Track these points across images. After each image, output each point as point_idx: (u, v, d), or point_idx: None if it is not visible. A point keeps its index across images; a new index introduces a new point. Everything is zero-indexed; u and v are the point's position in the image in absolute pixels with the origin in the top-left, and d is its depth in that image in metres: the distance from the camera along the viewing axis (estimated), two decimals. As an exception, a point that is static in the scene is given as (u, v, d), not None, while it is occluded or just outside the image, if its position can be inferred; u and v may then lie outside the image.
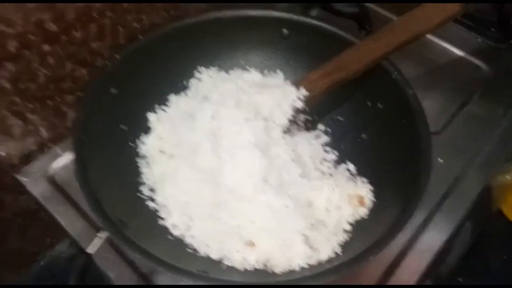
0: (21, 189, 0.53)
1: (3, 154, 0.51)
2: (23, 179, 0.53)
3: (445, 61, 0.66)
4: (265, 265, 0.42)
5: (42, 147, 0.55)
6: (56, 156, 0.55)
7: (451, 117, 0.59)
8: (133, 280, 0.46)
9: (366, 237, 0.42)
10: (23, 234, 0.64)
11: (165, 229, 0.44)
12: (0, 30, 0.42)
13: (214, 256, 0.43)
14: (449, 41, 0.67)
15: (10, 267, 0.67)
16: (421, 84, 0.52)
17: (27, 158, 0.54)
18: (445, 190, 0.52)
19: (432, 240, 0.49)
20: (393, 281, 0.46)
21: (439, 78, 0.64)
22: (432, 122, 0.45)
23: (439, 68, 0.66)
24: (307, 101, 0.49)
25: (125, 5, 0.51)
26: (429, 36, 0.67)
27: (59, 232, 0.51)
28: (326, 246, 0.43)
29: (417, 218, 0.49)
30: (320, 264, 0.42)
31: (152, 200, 0.46)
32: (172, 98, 0.53)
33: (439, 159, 0.53)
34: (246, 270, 0.42)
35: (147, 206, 0.46)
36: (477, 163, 0.55)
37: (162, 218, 0.45)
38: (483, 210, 0.60)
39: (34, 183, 0.53)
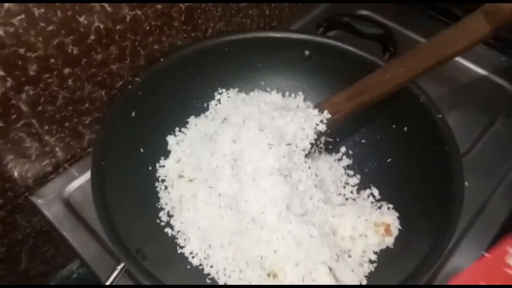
0: (35, 211, 0.52)
1: (18, 175, 0.50)
2: (38, 201, 0.52)
3: (468, 81, 0.65)
4: (287, 298, 0.41)
5: (58, 168, 0.54)
6: (72, 178, 0.54)
7: (477, 138, 0.57)
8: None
9: (393, 267, 0.41)
10: (35, 255, 0.63)
11: (183, 258, 0.43)
12: (20, 54, 0.41)
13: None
14: (472, 60, 0.66)
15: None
16: (444, 104, 0.51)
17: (42, 180, 0.53)
18: (472, 215, 0.50)
19: (459, 266, 0.47)
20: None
21: (463, 98, 0.62)
22: (456, 144, 0.44)
23: (462, 88, 0.64)
24: (330, 123, 0.48)
25: (147, 27, 0.50)
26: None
27: (71, 253, 0.50)
28: (352, 278, 0.41)
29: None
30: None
31: (171, 226, 0.45)
32: (192, 120, 0.52)
33: (465, 182, 0.51)
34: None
35: (165, 233, 0.45)
36: (504, 185, 0.53)
37: (181, 246, 0.44)
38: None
39: (48, 205, 0.52)
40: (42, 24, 0.41)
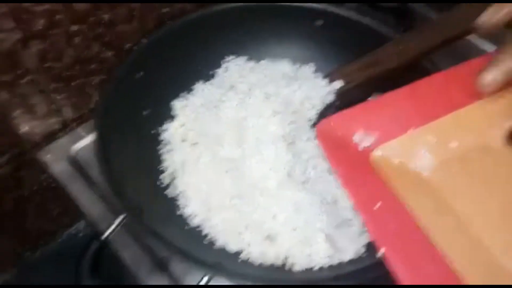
0: (42, 168, 0.53)
1: (26, 132, 0.51)
2: (45, 158, 0.53)
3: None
4: (283, 262, 0.41)
5: (65, 127, 0.55)
6: (79, 137, 0.54)
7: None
8: (147, 265, 0.45)
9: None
10: (41, 212, 0.64)
11: (183, 219, 0.43)
12: (28, 6, 0.41)
13: (231, 248, 0.42)
14: (492, 41, 0.64)
15: (28, 244, 0.68)
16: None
17: (49, 137, 0.54)
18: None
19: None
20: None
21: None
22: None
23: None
24: (339, 95, 0.47)
25: (156, -12, 0.50)
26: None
27: (77, 212, 0.51)
28: (350, 247, 0.41)
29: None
30: (341, 265, 0.40)
31: (172, 188, 0.45)
32: (198, 86, 0.52)
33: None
34: (261, 264, 0.41)
35: (166, 194, 0.45)
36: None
37: (181, 208, 0.44)
38: None
39: (55, 162, 0.52)
40: (50, -23, 0.41)
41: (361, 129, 0.39)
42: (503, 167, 0.36)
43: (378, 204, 0.34)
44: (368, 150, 0.39)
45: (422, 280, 0.30)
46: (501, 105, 0.38)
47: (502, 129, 0.38)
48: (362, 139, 0.39)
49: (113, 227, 0.38)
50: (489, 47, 0.63)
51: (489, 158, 0.37)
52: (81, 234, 0.71)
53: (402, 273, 0.30)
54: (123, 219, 0.39)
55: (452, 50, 0.46)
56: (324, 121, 0.40)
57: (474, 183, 0.36)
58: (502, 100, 0.38)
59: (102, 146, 0.40)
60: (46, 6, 0.42)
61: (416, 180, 0.37)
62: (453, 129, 0.39)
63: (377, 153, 0.39)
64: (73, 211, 0.69)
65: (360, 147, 0.39)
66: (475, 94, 0.38)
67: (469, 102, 0.39)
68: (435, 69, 0.46)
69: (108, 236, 0.38)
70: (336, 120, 0.40)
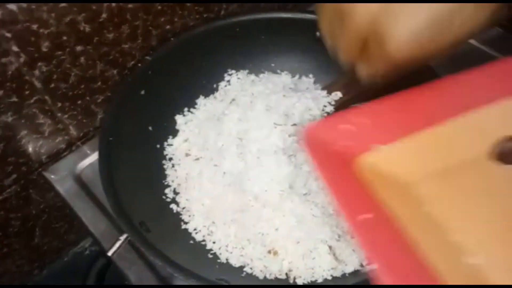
0: (48, 187, 0.54)
1: (32, 151, 0.52)
2: (51, 177, 0.54)
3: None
4: (287, 275, 0.41)
5: (71, 146, 0.56)
6: (84, 156, 0.55)
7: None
8: (152, 282, 0.45)
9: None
10: (48, 230, 0.64)
11: (187, 233, 0.44)
12: (33, 30, 0.42)
13: (235, 262, 0.42)
14: (491, 46, 0.64)
15: (34, 262, 0.68)
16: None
17: (55, 156, 0.55)
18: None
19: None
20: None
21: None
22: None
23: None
24: (339, 106, 0.47)
25: (159, 6, 0.51)
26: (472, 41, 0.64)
27: (83, 230, 0.51)
28: (352, 258, 0.41)
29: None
30: (344, 277, 0.40)
31: (176, 203, 0.46)
32: (201, 101, 0.53)
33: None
34: (266, 278, 0.41)
35: (170, 209, 0.45)
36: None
37: (185, 222, 0.45)
38: None
39: (61, 181, 0.53)
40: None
41: (347, 135, 0.37)
42: (488, 182, 0.35)
43: (365, 215, 0.32)
44: (353, 157, 0.37)
45: None
46: (489, 120, 0.37)
47: (487, 144, 0.36)
48: (348, 145, 0.37)
49: (117, 245, 0.38)
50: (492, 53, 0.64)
51: (475, 173, 0.36)
52: (87, 252, 0.72)
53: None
54: (127, 237, 0.39)
55: (455, 56, 0.47)
56: (310, 126, 0.38)
57: (461, 196, 0.34)
58: (492, 114, 0.37)
59: (106, 165, 0.41)
60: (51, 29, 0.43)
61: (402, 189, 0.35)
62: (441, 141, 0.37)
63: (363, 160, 0.37)
64: (79, 229, 0.69)
65: (346, 154, 0.36)
66: (468, 105, 0.37)
67: (462, 113, 0.37)
68: (433, 78, 0.46)
69: (113, 254, 0.38)
70: (322, 125, 0.39)
